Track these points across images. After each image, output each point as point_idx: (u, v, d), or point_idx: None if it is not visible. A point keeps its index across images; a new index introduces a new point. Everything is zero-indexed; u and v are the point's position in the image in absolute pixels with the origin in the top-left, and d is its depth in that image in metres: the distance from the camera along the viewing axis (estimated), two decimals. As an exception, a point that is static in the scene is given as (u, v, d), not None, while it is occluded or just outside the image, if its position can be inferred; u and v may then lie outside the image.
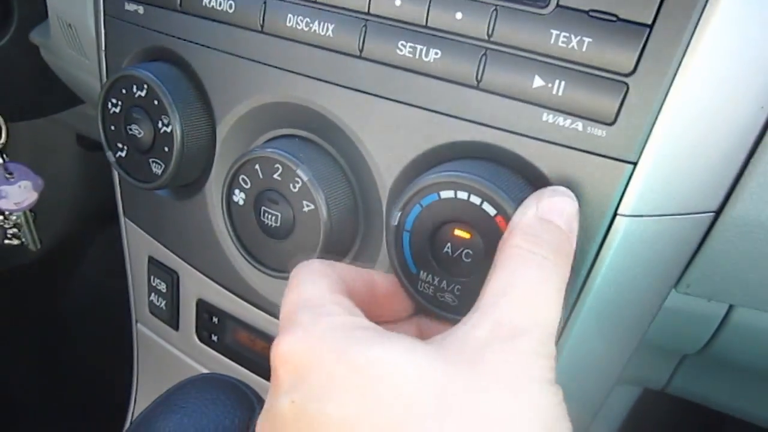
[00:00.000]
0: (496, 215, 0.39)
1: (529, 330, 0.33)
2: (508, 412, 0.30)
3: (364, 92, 0.45)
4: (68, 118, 0.95)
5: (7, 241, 0.86)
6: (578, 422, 0.54)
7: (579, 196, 0.39)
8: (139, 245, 0.65)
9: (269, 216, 0.48)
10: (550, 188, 0.39)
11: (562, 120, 0.39)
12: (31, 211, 0.83)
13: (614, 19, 0.37)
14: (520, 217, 0.37)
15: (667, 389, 0.74)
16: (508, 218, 0.39)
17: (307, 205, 0.46)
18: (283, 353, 0.33)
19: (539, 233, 0.36)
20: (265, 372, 0.60)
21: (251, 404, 0.42)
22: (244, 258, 0.51)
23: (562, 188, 0.39)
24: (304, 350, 0.32)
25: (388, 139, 0.45)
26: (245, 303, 0.58)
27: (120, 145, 0.56)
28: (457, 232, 0.41)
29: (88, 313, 1.34)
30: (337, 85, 0.46)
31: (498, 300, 0.34)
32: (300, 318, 0.34)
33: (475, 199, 0.39)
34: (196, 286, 0.61)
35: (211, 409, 0.41)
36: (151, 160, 0.54)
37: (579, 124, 0.39)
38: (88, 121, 0.98)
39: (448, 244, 0.41)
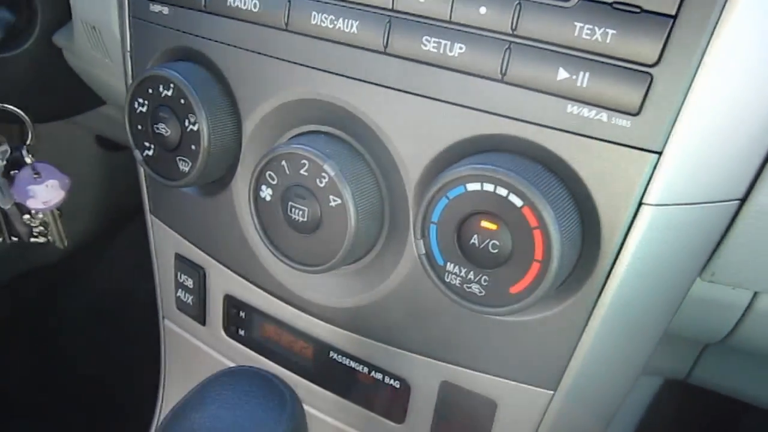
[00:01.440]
0: (522, 206, 0.39)
1: None
2: None
3: (389, 87, 0.45)
4: (87, 120, 0.96)
5: (33, 239, 0.87)
6: (603, 412, 0.55)
7: (604, 186, 0.40)
8: (165, 242, 0.66)
9: (296, 211, 0.49)
10: None
11: (586, 111, 0.39)
12: (57, 209, 0.84)
13: (638, 10, 0.37)
14: None
15: (688, 379, 0.74)
16: (533, 209, 0.39)
17: (334, 200, 0.47)
18: None
19: None
20: (291, 365, 0.60)
21: (283, 397, 0.43)
22: (272, 252, 0.52)
23: None
24: None
25: (414, 134, 0.45)
26: (272, 297, 0.58)
27: (147, 144, 0.57)
28: (484, 224, 0.42)
29: (112, 310, 1.35)
30: (362, 81, 0.46)
31: None
32: None
33: (502, 191, 0.40)
34: (223, 281, 0.62)
35: (246, 401, 0.42)
36: (178, 158, 0.55)
37: (604, 115, 0.39)
38: (107, 121, 0.99)
39: (475, 236, 0.42)
